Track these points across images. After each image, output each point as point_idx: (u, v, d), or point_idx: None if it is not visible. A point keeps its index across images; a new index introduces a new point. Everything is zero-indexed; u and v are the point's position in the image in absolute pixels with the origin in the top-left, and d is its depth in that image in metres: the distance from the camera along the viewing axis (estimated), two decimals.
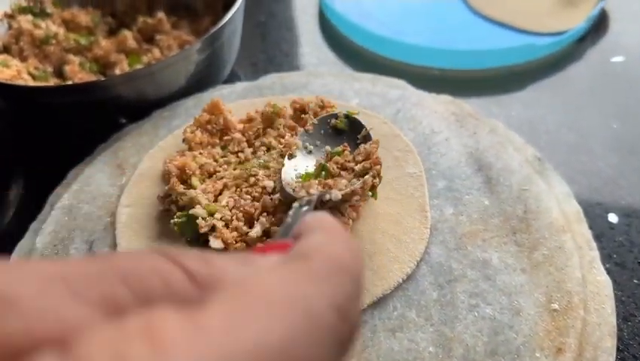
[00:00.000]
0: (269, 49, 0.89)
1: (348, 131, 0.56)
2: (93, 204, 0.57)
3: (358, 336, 0.26)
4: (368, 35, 0.84)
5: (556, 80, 0.78)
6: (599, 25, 0.86)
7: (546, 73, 0.79)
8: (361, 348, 0.44)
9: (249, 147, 0.59)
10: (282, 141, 0.58)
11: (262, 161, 0.56)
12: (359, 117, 0.56)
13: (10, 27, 0.77)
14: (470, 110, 0.64)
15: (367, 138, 0.55)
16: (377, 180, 0.50)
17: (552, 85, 0.77)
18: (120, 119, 0.68)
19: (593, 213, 0.59)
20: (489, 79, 0.79)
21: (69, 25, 0.79)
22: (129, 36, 0.76)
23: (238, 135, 0.59)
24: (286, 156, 0.54)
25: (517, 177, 0.55)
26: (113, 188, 0.58)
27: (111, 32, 0.81)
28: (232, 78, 0.80)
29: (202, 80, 0.71)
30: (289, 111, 0.62)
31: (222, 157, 0.58)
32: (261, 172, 0.54)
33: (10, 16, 0.78)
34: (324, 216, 0.27)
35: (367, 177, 0.49)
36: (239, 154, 0.58)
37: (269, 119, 0.60)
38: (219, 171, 0.56)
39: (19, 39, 0.75)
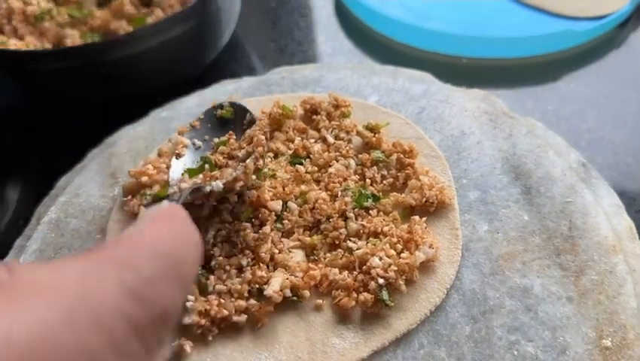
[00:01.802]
0: (280, 37, 0.82)
1: (235, 119, 0.54)
2: (82, 218, 0.51)
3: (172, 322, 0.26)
4: (389, 22, 0.77)
5: (596, 69, 0.71)
6: None
7: (585, 62, 0.72)
8: None
9: None
10: (292, 145, 0.52)
11: (267, 170, 0.50)
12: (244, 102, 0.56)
13: None
14: (505, 107, 0.57)
15: (252, 123, 0.53)
16: (261, 161, 0.47)
17: (592, 75, 0.70)
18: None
19: None
20: (522, 69, 0.72)
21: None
22: (125, 1, 0.70)
23: None
24: (173, 157, 0.52)
25: (560, 186, 0.49)
26: (104, 200, 0.53)
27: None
28: (239, 71, 0.75)
29: (200, 43, 0.69)
30: (299, 111, 0.56)
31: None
32: (267, 183, 0.48)
33: None
34: (163, 207, 0.30)
35: (248, 161, 0.46)
36: None
37: (277, 122, 0.54)
38: None
39: (12, 18, 0.71)
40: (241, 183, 0.45)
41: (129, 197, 0.50)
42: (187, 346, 0.41)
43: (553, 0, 0.76)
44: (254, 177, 0.47)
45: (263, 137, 0.48)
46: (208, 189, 0.44)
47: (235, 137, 0.52)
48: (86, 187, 0.54)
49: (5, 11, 0.71)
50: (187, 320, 0.41)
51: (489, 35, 0.72)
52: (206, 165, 0.49)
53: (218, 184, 0.44)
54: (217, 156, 0.50)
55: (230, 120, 0.54)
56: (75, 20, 0.71)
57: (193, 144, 0.53)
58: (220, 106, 0.55)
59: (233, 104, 0.55)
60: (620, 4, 0.74)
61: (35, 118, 0.75)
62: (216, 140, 0.53)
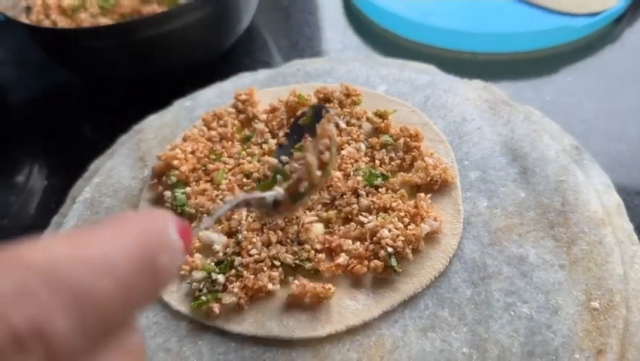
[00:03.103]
0: (291, 34, 0.86)
1: (315, 122, 0.50)
2: (115, 197, 0.56)
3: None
4: (395, 18, 0.81)
5: (592, 63, 0.74)
6: (638, 4, 0.81)
7: (581, 56, 0.75)
8: (391, 348, 0.42)
9: (272, 137, 0.57)
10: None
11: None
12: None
13: (28, 7, 0.77)
14: (504, 96, 0.61)
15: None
16: (327, 154, 0.42)
17: (588, 69, 0.73)
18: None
19: (633, 205, 0.56)
20: (521, 63, 0.75)
21: None
22: None
23: (261, 126, 0.57)
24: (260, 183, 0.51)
25: (554, 167, 0.53)
26: (135, 181, 0.57)
27: None
28: (254, 64, 0.78)
29: (223, 24, 0.73)
30: (313, 100, 0.60)
31: (246, 148, 0.57)
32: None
33: None
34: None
35: (308, 156, 0.41)
36: (263, 145, 0.56)
37: (293, 109, 0.58)
38: (242, 163, 0.54)
39: (49, 13, 0.75)
40: (305, 184, 0.41)
41: (155, 180, 0.55)
42: (216, 307, 0.45)
43: None
44: (319, 172, 0.42)
45: (330, 125, 0.43)
46: (270, 199, 0.40)
47: (310, 139, 0.46)
48: (117, 169, 0.58)
49: (41, 7, 0.76)
50: None
51: (490, 31, 0.76)
52: (278, 176, 0.44)
53: (279, 191, 0.41)
54: (293, 164, 0.44)
55: (313, 125, 0.48)
56: (106, 10, 0.75)
57: (280, 161, 0.53)
58: (303, 114, 0.54)
59: (313, 107, 0.54)
60: (614, 1, 0.78)
61: (56, 111, 0.79)
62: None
